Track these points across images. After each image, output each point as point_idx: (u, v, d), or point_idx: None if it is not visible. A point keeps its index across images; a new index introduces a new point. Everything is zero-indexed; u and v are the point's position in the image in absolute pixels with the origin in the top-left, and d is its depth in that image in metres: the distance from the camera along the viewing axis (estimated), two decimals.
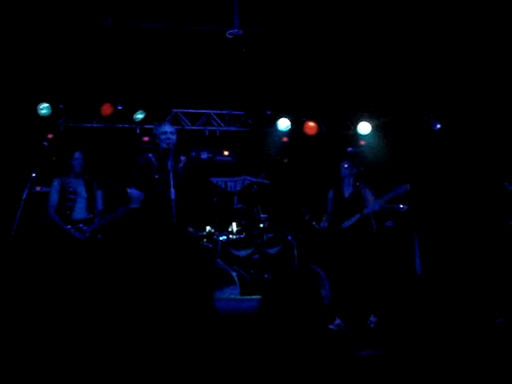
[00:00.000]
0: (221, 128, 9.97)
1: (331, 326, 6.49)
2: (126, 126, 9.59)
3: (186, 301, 5.42)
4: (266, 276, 7.63)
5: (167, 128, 5.94)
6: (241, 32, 6.75)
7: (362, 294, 6.53)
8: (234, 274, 7.51)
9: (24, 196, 6.53)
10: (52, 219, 6.52)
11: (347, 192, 6.86)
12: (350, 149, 7.04)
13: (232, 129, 10.03)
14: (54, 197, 6.57)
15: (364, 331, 6.27)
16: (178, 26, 7.69)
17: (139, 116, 9.36)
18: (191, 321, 5.39)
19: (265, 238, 8.20)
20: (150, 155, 5.95)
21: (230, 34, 6.83)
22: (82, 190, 6.63)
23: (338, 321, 6.51)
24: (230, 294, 7.32)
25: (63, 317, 5.96)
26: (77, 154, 6.66)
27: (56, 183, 6.62)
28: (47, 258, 6.51)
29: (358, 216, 6.61)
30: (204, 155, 10.28)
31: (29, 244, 7.41)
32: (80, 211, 6.56)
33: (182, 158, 6.12)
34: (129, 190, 5.62)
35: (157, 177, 5.82)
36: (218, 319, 6.41)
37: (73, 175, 6.66)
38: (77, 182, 6.67)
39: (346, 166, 6.83)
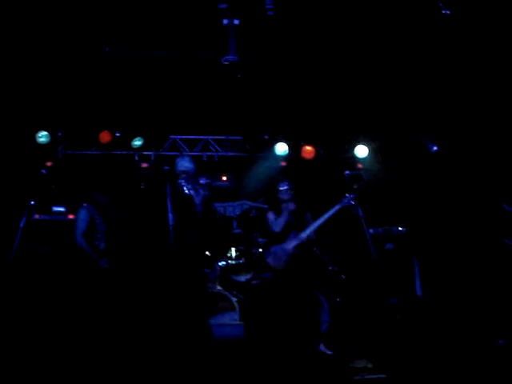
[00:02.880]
0: (219, 153, 9.99)
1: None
2: (125, 152, 9.61)
3: (180, 327, 5.40)
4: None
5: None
6: (236, 58, 6.79)
7: (362, 317, 6.51)
8: (234, 299, 7.47)
9: (22, 224, 6.55)
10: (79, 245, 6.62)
11: None
12: (347, 172, 7.06)
13: (230, 154, 10.05)
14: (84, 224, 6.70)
15: (364, 354, 6.22)
16: (174, 53, 7.77)
17: (137, 143, 9.39)
18: (185, 346, 5.37)
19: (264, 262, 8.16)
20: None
21: (225, 60, 6.88)
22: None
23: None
24: (230, 319, 7.27)
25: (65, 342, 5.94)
26: None
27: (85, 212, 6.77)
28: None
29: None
30: (202, 181, 10.26)
31: (27, 271, 7.39)
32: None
33: (202, 181, 6.34)
34: None
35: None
36: (213, 345, 6.36)
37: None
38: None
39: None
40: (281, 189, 6.89)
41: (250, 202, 10.18)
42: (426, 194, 8.73)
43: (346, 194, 6.78)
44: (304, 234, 6.69)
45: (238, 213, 10.20)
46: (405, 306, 7.81)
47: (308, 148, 9.87)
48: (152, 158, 9.47)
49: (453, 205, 8.36)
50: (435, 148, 8.91)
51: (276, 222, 6.82)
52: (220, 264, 8.15)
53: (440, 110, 8.55)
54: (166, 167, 6.21)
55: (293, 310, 6.51)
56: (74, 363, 5.59)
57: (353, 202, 6.78)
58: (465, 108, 8.24)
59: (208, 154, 9.98)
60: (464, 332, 6.77)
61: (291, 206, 6.87)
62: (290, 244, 6.74)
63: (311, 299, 6.72)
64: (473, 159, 8.29)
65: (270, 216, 6.95)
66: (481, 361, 5.59)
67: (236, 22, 6.68)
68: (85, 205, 6.88)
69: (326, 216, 6.72)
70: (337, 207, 6.73)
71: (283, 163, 9.96)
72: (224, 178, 10.37)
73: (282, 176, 7.32)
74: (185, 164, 6.44)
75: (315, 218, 6.83)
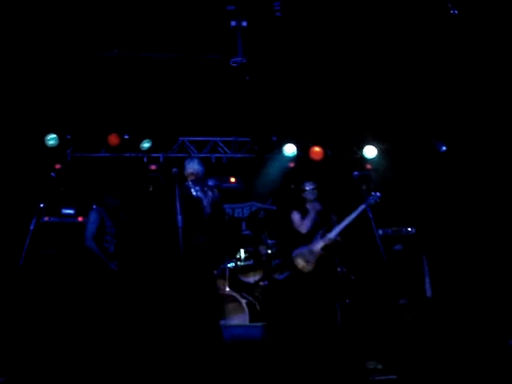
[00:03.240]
0: (227, 155, 10.00)
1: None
2: (133, 155, 9.65)
3: (189, 329, 5.40)
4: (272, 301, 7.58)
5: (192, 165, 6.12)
6: (244, 60, 6.80)
7: (372, 318, 6.48)
8: (243, 301, 7.46)
9: (32, 226, 6.57)
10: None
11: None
12: (356, 173, 7.03)
13: (238, 155, 10.06)
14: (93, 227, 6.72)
15: (375, 355, 6.20)
16: (182, 56, 7.78)
17: (146, 145, 9.42)
18: (197, 350, 5.36)
19: (273, 264, 8.16)
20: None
21: (233, 62, 6.89)
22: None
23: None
24: (239, 321, 7.26)
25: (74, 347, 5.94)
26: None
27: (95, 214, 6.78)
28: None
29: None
30: (211, 182, 10.27)
31: (36, 273, 7.41)
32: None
33: (210, 183, 6.36)
34: None
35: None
36: (224, 347, 6.36)
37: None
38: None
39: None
40: (307, 188, 6.88)
41: (258, 204, 10.19)
42: (435, 195, 8.70)
43: (372, 193, 6.73)
44: (331, 235, 6.62)
45: (246, 214, 10.21)
46: (414, 306, 7.78)
47: (316, 149, 9.87)
48: (161, 159, 9.49)
49: (462, 205, 8.32)
50: (444, 148, 8.88)
51: (303, 222, 6.79)
52: (229, 265, 8.14)
53: (448, 110, 8.52)
54: (175, 169, 6.21)
55: (311, 313, 6.49)
56: (84, 365, 5.60)
57: (378, 201, 6.72)
58: (473, 108, 8.21)
59: (216, 155, 9.99)
60: (474, 333, 6.74)
61: (317, 206, 6.84)
62: (318, 245, 6.68)
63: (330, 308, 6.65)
64: (481, 159, 8.25)
65: (296, 216, 6.91)
66: (491, 362, 5.56)
67: (244, 23, 6.70)
68: (95, 207, 6.91)
69: (353, 216, 6.66)
70: (362, 206, 6.68)
71: (291, 164, 9.97)
72: (232, 180, 10.38)
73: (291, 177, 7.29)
74: (193, 166, 6.46)
75: (341, 219, 6.75)
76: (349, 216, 6.67)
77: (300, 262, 6.77)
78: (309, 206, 6.87)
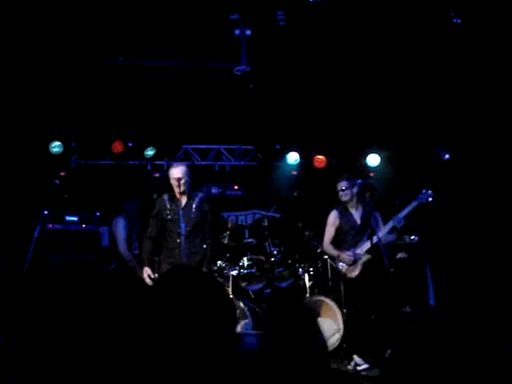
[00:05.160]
0: (230, 163, 10.03)
1: (349, 367, 6.34)
2: (137, 162, 9.69)
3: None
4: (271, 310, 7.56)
5: (175, 173, 6.05)
6: (248, 68, 6.83)
7: (376, 327, 6.46)
8: (246, 308, 7.44)
9: (36, 233, 6.58)
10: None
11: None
12: (359, 181, 7.02)
13: (242, 163, 10.09)
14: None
15: (379, 365, 6.19)
16: (186, 64, 7.82)
17: (150, 152, 9.46)
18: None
19: (276, 271, 8.16)
20: (165, 197, 6.18)
21: (237, 70, 6.91)
22: None
23: (356, 359, 6.34)
24: (244, 328, 7.24)
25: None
26: None
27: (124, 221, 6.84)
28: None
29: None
30: (214, 190, 10.32)
31: (40, 281, 7.42)
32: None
33: (199, 194, 6.31)
34: None
35: (169, 217, 6.01)
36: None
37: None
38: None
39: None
40: (338, 189, 6.60)
41: (262, 211, 10.21)
42: (439, 203, 8.69)
43: (423, 190, 6.45)
44: (378, 236, 6.19)
45: (249, 222, 10.23)
46: (418, 315, 7.76)
47: (320, 157, 9.88)
48: (164, 167, 9.52)
49: (465, 213, 8.31)
50: (447, 156, 8.88)
51: (344, 223, 6.62)
52: (232, 273, 8.14)
53: (452, 118, 8.53)
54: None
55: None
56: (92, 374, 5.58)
57: (430, 199, 6.39)
58: (477, 116, 8.21)
59: (220, 163, 10.02)
60: (476, 341, 6.72)
61: (358, 205, 6.66)
62: (363, 248, 6.42)
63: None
64: (485, 167, 8.24)
65: (336, 217, 6.72)
66: (493, 371, 5.54)
67: (247, 32, 6.72)
68: (122, 215, 6.95)
69: (403, 214, 6.38)
70: (414, 204, 6.37)
71: (294, 172, 9.99)
72: (236, 187, 10.41)
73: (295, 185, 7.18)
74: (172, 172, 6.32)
75: (388, 218, 6.47)
76: (398, 214, 6.39)
77: (343, 267, 6.52)
78: (351, 205, 6.64)
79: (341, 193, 6.63)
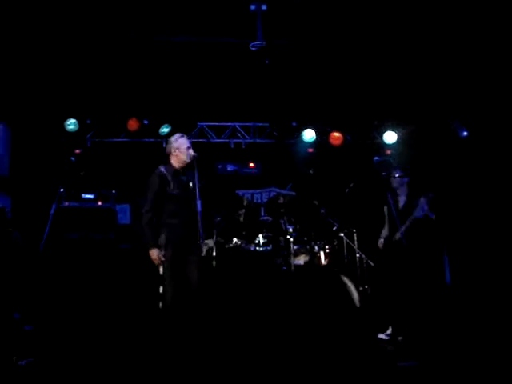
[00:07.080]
0: (246, 140, 9.99)
1: (381, 336, 6.44)
2: (152, 140, 9.69)
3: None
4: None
5: (189, 142, 5.88)
6: (264, 44, 6.75)
7: (393, 304, 6.46)
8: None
9: (52, 211, 6.59)
10: None
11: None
12: (376, 158, 6.95)
13: (257, 141, 10.04)
14: None
15: (397, 342, 6.19)
16: (201, 40, 7.74)
17: (165, 130, 9.45)
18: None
19: (292, 249, 8.15)
20: (163, 170, 5.71)
21: (253, 46, 6.84)
22: None
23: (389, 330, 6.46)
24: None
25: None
26: None
27: None
28: None
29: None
30: (230, 168, 10.30)
31: (57, 258, 7.47)
32: None
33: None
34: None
35: (175, 193, 5.60)
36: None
37: None
38: None
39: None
40: (395, 176, 6.62)
41: (277, 189, 10.18)
42: (456, 181, 8.61)
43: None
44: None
45: (265, 199, 10.21)
46: (434, 294, 7.74)
47: (336, 134, 9.81)
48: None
49: (483, 191, 8.23)
50: (465, 133, 8.78)
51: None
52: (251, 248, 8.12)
53: (470, 94, 8.41)
54: (195, 154, 6.08)
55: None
56: (103, 353, 5.63)
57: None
58: (494, 93, 8.08)
59: (235, 140, 9.99)
60: (494, 320, 6.69)
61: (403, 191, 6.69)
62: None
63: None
64: (503, 144, 8.14)
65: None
66: (508, 350, 5.51)
67: (263, 7, 6.64)
68: None
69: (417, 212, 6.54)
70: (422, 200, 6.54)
71: (310, 150, 9.93)
72: (251, 165, 10.37)
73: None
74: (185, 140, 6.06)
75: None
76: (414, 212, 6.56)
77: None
78: (400, 190, 6.68)
79: (393, 180, 6.66)
